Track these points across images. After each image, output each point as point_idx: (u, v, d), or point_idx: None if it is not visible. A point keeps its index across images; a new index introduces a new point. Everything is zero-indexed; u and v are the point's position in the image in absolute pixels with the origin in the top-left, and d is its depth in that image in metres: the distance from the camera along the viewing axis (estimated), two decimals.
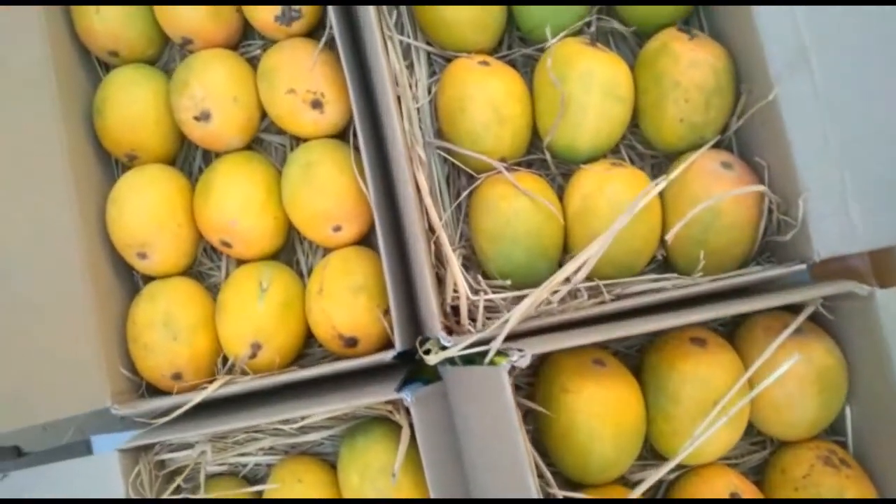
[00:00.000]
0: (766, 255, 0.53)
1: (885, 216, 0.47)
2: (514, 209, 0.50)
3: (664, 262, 0.55)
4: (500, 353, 0.45)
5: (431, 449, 0.48)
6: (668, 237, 0.47)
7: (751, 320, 0.52)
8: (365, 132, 0.51)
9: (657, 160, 0.58)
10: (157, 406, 0.53)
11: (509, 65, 0.57)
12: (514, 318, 0.46)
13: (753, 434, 0.54)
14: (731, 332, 0.54)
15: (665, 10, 0.54)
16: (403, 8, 0.55)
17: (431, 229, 0.52)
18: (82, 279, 0.53)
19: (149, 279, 0.58)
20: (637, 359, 0.54)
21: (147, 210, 0.54)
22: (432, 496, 0.47)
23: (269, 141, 0.61)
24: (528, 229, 0.50)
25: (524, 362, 0.43)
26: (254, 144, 0.61)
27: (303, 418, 0.54)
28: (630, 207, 0.46)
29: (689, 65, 0.50)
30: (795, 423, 0.49)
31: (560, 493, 0.44)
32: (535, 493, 0.41)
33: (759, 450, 0.53)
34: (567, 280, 0.47)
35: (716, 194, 0.50)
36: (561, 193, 0.56)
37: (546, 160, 0.57)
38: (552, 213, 0.51)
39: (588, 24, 0.54)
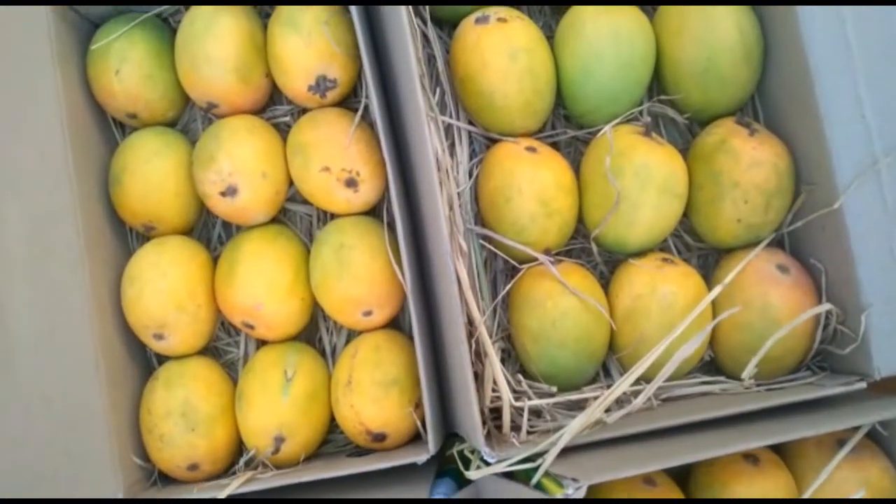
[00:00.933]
0: (817, 359, 0.51)
1: None
2: (562, 310, 0.48)
3: (711, 363, 0.53)
4: (548, 473, 0.43)
5: None
6: (748, 370, 0.45)
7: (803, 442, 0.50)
8: (403, 213, 0.48)
9: (704, 251, 0.55)
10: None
11: (553, 147, 0.54)
12: (566, 437, 0.43)
13: None
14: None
15: (722, 99, 0.51)
16: (447, 86, 0.52)
17: (470, 321, 0.49)
18: (95, 365, 0.50)
19: (164, 357, 0.55)
20: (685, 468, 0.52)
21: (167, 291, 0.51)
22: None
23: (294, 210, 0.58)
24: (577, 334, 0.48)
25: (580, 494, 0.40)
26: (280, 216, 0.58)
27: None
28: (682, 323, 0.44)
29: (749, 164, 0.48)
30: None
31: None
32: None
33: None
34: (627, 399, 0.44)
35: (772, 300, 0.48)
36: (604, 281, 0.54)
37: (590, 247, 0.54)
38: (601, 314, 0.48)
39: (642, 113, 0.51)
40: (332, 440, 0.56)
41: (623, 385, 0.44)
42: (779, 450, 0.50)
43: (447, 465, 0.54)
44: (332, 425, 0.55)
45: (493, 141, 0.53)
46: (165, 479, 0.53)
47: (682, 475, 0.51)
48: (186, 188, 0.54)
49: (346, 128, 0.52)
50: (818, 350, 0.50)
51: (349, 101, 0.57)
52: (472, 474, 0.45)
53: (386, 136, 0.49)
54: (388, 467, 0.52)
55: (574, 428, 0.43)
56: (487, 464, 0.44)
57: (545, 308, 0.48)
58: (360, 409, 0.49)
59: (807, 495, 0.44)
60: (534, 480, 0.43)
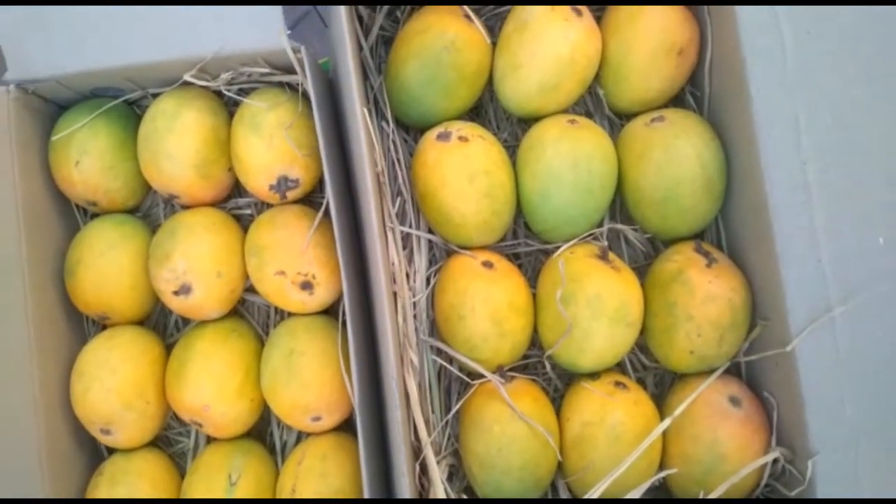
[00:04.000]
0: (766, 489, 0.51)
1: None
2: (509, 436, 0.47)
3: (658, 488, 0.52)
4: None
5: None
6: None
7: None
8: (355, 320, 0.48)
9: (660, 371, 0.55)
10: None
11: (513, 256, 0.54)
12: None
13: None
14: None
15: (682, 226, 0.51)
16: (407, 195, 0.52)
17: (417, 438, 0.49)
18: (38, 453, 0.50)
19: (113, 448, 0.55)
20: None
21: (115, 389, 0.50)
22: None
23: (251, 301, 0.57)
24: (522, 461, 0.47)
25: None
26: (238, 306, 0.57)
27: None
28: (629, 458, 0.44)
29: (704, 299, 0.47)
30: None
31: None
32: None
33: None
34: None
35: (722, 436, 0.47)
36: (559, 395, 0.54)
37: (544, 362, 0.54)
38: (548, 442, 0.48)
39: (603, 233, 0.51)
40: None
41: None
42: None
43: None
44: None
45: (453, 249, 0.53)
46: None
47: None
48: (142, 281, 0.53)
49: (304, 230, 0.51)
50: (767, 483, 0.50)
51: (313, 197, 0.57)
52: None
53: (342, 241, 0.48)
54: None
55: None
56: None
57: (492, 433, 0.48)
58: None
59: None
60: None
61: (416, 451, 0.49)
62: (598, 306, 0.47)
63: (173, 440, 0.57)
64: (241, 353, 0.53)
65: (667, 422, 0.47)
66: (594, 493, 0.46)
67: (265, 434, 0.57)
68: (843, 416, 0.45)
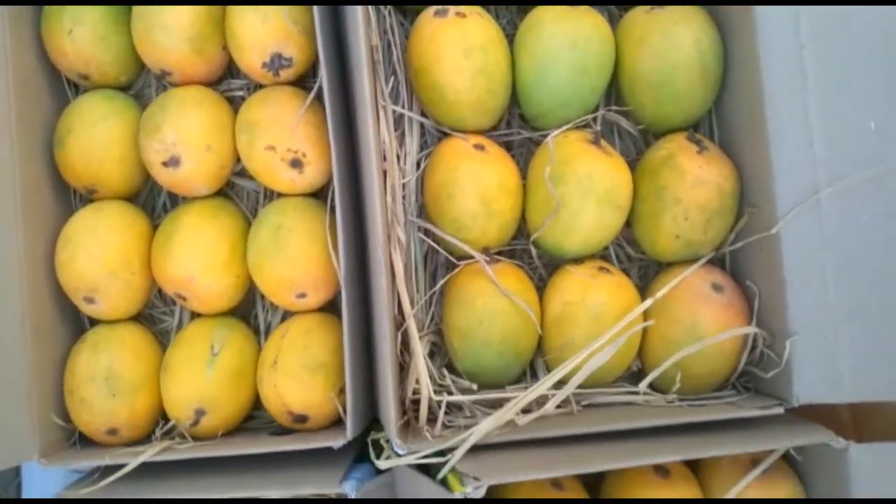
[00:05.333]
0: (743, 379, 0.51)
1: (873, 371, 0.45)
2: (491, 310, 0.48)
3: (638, 374, 0.53)
4: (454, 469, 0.43)
5: None
6: (643, 386, 0.45)
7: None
8: (344, 200, 0.48)
9: (645, 263, 0.55)
10: (87, 465, 0.50)
11: (506, 146, 0.54)
12: (473, 437, 0.43)
13: None
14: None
15: (676, 114, 0.51)
16: (402, 76, 0.52)
17: (401, 312, 0.49)
18: (21, 321, 0.50)
19: (95, 321, 0.55)
20: (598, 475, 0.52)
21: (101, 256, 0.50)
22: None
23: (241, 186, 0.57)
24: (503, 334, 0.47)
25: (479, 493, 0.40)
26: (225, 187, 0.57)
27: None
28: (607, 332, 0.44)
29: (694, 183, 0.47)
30: None
31: None
32: None
33: None
34: (536, 404, 0.44)
35: (701, 318, 0.48)
36: (542, 284, 0.54)
37: (531, 249, 0.54)
38: (530, 317, 0.48)
39: (595, 120, 0.51)
40: (256, 416, 0.56)
41: (539, 389, 0.44)
42: (693, 464, 0.50)
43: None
44: (258, 402, 0.55)
45: (445, 135, 0.53)
46: (86, 441, 0.53)
47: (595, 482, 0.51)
48: (132, 154, 0.53)
49: (296, 108, 0.51)
50: (744, 370, 0.50)
51: (306, 81, 0.57)
52: (380, 464, 0.45)
53: (334, 119, 0.48)
54: (308, 449, 0.53)
55: (484, 428, 0.43)
56: (399, 455, 0.44)
57: (475, 306, 0.48)
58: (284, 390, 0.49)
59: None
60: (439, 476, 0.43)
61: (399, 326, 0.49)
62: (587, 186, 0.47)
63: (157, 318, 0.57)
64: (229, 229, 0.53)
65: (648, 302, 0.47)
66: (566, 368, 0.45)
67: (249, 317, 0.57)
68: (825, 298, 0.45)
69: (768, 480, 0.47)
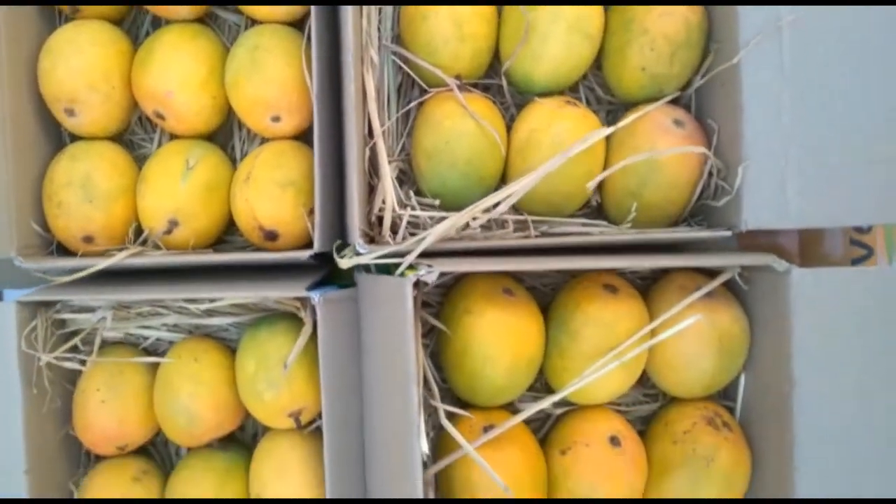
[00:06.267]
0: (698, 218, 0.53)
1: (819, 199, 0.47)
2: (458, 131, 0.49)
3: (597, 210, 0.55)
4: (412, 267, 0.45)
5: (331, 350, 0.48)
6: (591, 184, 0.47)
7: (667, 278, 0.52)
8: (320, 24, 0.49)
9: (614, 107, 0.56)
10: (64, 265, 0.52)
11: None
12: (431, 235, 0.45)
13: (648, 386, 0.55)
14: (648, 287, 0.54)
15: None
16: None
17: (371, 136, 0.50)
18: (2, 127, 0.51)
19: (77, 137, 0.56)
20: (551, 297, 0.54)
21: (81, 66, 0.51)
22: (323, 396, 0.47)
23: (224, 18, 0.58)
24: (468, 155, 0.49)
25: (431, 277, 0.42)
26: (208, 20, 0.58)
27: (210, 301, 0.54)
28: (568, 149, 0.46)
29: (661, 13, 0.49)
30: (689, 382, 0.50)
31: (442, 407, 0.45)
32: (416, 402, 0.41)
33: (650, 402, 0.54)
34: (492, 208, 0.46)
35: (660, 146, 0.49)
36: (512, 122, 0.55)
37: (503, 87, 0.55)
38: (495, 141, 0.50)
39: None
40: (229, 241, 0.58)
41: (497, 196, 0.46)
42: (643, 294, 0.52)
43: (338, 281, 0.57)
44: (231, 228, 0.57)
45: None
46: (63, 253, 0.55)
47: (546, 303, 0.53)
48: None
49: None
50: (698, 208, 0.52)
51: None
52: (343, 262, 0.47)
53: None
54: (277, 264, 0.55)
55: (441, 228, 0.45)
56: (360, 254, 0.46)
57: (442, 127, 0.49)
58: (255, 203, 0.51)
59: (655, 324, 0.47)
60: (397, 272, 0.45)
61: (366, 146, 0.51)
62: (556, 11, 0.48)
63: (137, 144, 0.58)
64: (208, 51, 0.54)
65: (609, 129, 0.48)
66: (522, 192, 0.47)
67: (227, 148, 0.59)
68: (778, 125, 0.47)
69: (714, 305, 0.49)
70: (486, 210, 0.46)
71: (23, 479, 0.50)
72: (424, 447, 0.41)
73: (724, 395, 0.54)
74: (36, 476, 0.51)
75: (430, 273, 0.42)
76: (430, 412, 0.50)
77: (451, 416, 0.47)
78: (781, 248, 0.54)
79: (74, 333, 0.54)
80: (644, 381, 0.55)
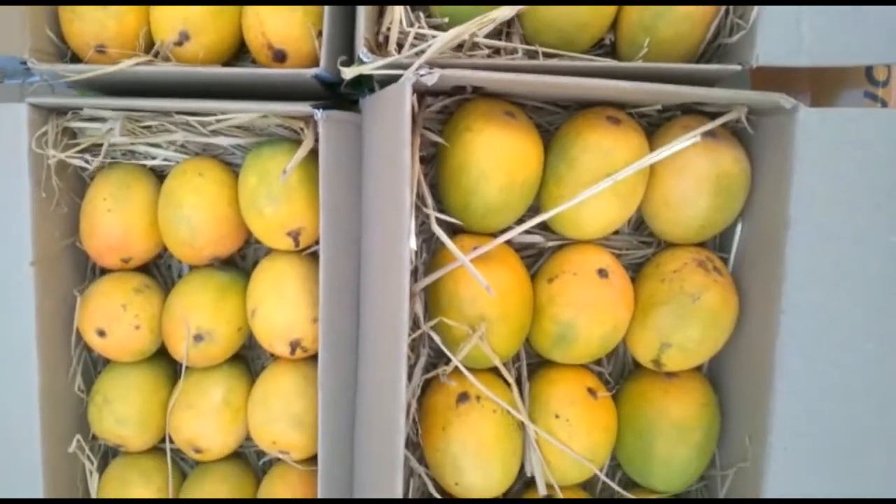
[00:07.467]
0: (712, 61, 0.52)
1: (834, 37, 0.46)
2: None
3: (611, 49, 0.54)
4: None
5: (331, 168, 0.49)
6: None
7: (673, 119, 0.51)
8: None
9: None
10: (75, 69, 0.52)
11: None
12: (435, 45, 0.44)
13: (644, 234, 0.55)
14: (654, 128, 0.53)
15: None
16: None
17: None
18: None
19: None
20: (553, 135, 0.54)
21: None
22: (322, 214, 0.48)
23: None
24: None
25: (430, 80, 0.42)
26: None
27: (217, 121, 0.54)
28: None
29: None
30: (684, 220, 0.50)
31: (434, 214, 0.46)
32: (408, 212, 0.42)
33: (645, 248, 0.54)
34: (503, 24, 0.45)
35: None
36: None
37: None
38: None
39: None
40: (237, 65, 0.58)
41: (504, 12, 0.45)
42: (650, 134, 0.51)
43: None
44: (241, 53, 0.57)
45: None
46: (76, 62, 0.56)
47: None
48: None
49: None
50: (714, 51, 0.51)
51: None
52: (346, 72, 0.47)
53: None
54: (284, 90, 0.55)
55: (447, 36, 0.45)
56: (364, 62, 0.46)
57: None
58: (265, 18, 0.51)
59: (653, 155, 0.46)
60: (401, 80, 0.45)
61: None
62: None
63: None
64: None
65: None
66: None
67: None
68: None
69: (715, 146, 0.49)
70: (494, 20, 0.45)
71: (30, 271, 0.52)
72: (413, 244, 0.42)
73: (720, 248, 0.54)
74: (42, 271, 0.52)
75: (431, 75, 0.42)
76: (423, 219, 0.50)
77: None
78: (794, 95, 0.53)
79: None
80: (641, 229, 0.55)
